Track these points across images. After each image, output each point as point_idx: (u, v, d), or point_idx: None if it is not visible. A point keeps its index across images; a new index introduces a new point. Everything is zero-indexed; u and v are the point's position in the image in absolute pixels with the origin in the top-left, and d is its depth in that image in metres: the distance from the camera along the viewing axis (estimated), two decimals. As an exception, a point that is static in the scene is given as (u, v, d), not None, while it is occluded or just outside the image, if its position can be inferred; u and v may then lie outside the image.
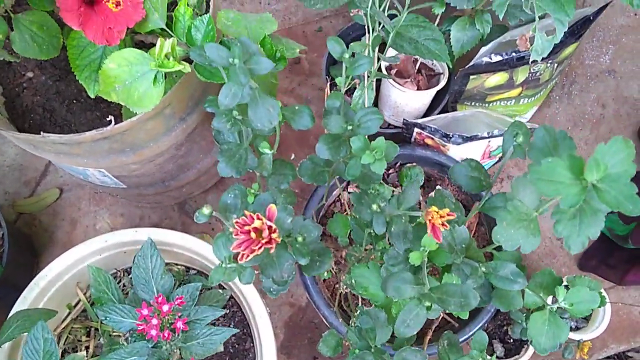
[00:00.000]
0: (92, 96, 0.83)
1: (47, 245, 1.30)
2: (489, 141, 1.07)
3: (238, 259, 0.47)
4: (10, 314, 0.88)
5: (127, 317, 0.75)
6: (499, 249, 0.67)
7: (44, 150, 0.91)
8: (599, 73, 1.41)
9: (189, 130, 0.97)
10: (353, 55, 0.68)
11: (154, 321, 0.70)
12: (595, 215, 0.46)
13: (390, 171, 1.14)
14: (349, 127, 0.62)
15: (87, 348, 0.98)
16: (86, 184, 1.34)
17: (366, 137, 0.62)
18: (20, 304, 0.91)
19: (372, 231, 0.72)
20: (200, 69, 0.73)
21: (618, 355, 1.37)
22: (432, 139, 1.08)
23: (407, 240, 0.61)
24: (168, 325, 0.72)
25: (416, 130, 1.09)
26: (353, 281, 0.85)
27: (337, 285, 1.11)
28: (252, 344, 1.03)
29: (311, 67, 1.44)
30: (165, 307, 0.71)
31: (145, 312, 0.70)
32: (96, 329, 0.99)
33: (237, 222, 0.47)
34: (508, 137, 0.59)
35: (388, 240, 1.08)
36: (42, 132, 0.81)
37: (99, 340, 0.98)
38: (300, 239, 0.53)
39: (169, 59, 0.69)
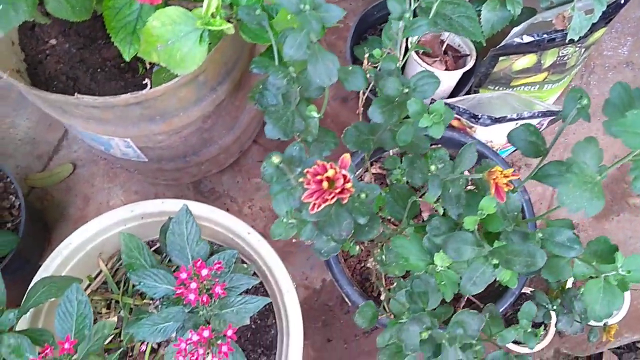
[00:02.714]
0: (127, 59, 0.81)
1: (59, 220, 1.28)
2: (517, 123, 1.06)
3: (309, 209, 0.45)
4: (34, 282, 0.86)
5: (162, 282, 0.73)
6: (549, 217, 0.66)
7: (72, 115, 0.88)
8: (617, 64, 1.42)
9: (218, 101, 0.95)
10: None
11: (193, 285, 0.68)
12: (676, 171, 0.45)
13: (415, 152, 1.13)
14: (405, 90, 0.61)
15: (107, 321, 0.97)
16: (100, 160, 1.32)
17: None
18: (43, 272, 0.89)
19: (415, 200, 0.71)
20: (246, 29, 0.71)
21: (628, 345, 1.37)
22: (459, 120, 1.07)
23: (460, 205, 0.60)
24: (206, 290, 0.70)
25: (443, 110, 1.08)
26: (383, 257, 0.84)
27: (358, 265, 1.10)
28: (274, 320, 1.01)
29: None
30: (205, 272, 0.69)
31: (184, 275, 0.68)
32: (117, 302, 0.98)
33: (309, 172, 0.46)
34: (569, 101, 0.58)
35: (421, 214, 1.07)
36: (76, 94, 0.79)
37: (119, 312, 0.96)
38: (363, 196, 0.52)
39: (215, 18, 0.68)
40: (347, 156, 0.46)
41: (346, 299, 1.03)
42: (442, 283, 0.69)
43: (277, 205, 0.53)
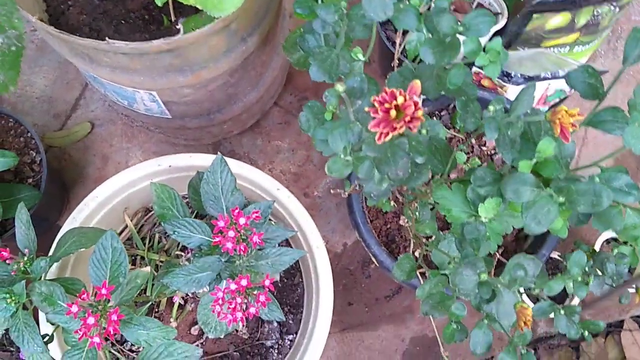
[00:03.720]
0: (160, 4, 0.79)
1: (77, 180, 1.26)
2: (549, 83, 1.04)
3: (376, 139, 0.43)
4: (61, 232, 0.84)
5: (196, 232, 0.72)
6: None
7: (99, 65, 0.86)
8: (645, 29, 1.39)
9: (247, 54, 0.93)
10: None
11: (231, 233, 0.66)
12: None
13: (443, 112, 1.11)
14: (460, 29, 0.58)
15: (132, 277, 0.95)
16: (118, 120, 1.30)
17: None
18: (70, 224, 0.87)
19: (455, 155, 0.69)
20: (288, -30, 0.69)
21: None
22: (490, 79, 1.05)
23: (515, 150, 0.58)
24: (243, 240, 0.68)
25: (474, 69, 1.06)
26: (417, 214, 0.82)
27: (384, 227, 1.09)
28: (300, 279, 1.00)
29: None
30: (242, 220, 0.67)
31: (221, 223, 0.67)
32: (142, 258, 0.96)
33: (376, 100, 0.44)
34: (631, 41, 0.56)
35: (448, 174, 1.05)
36: (107, 39, 0.76)
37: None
38: (424, 132, 0.50)
39: (257, -44, 0.65)
40: (417, 82, 0.44)
41: (373, 260, 1.02)
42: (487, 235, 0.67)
43: (333, 141, 0.51)
